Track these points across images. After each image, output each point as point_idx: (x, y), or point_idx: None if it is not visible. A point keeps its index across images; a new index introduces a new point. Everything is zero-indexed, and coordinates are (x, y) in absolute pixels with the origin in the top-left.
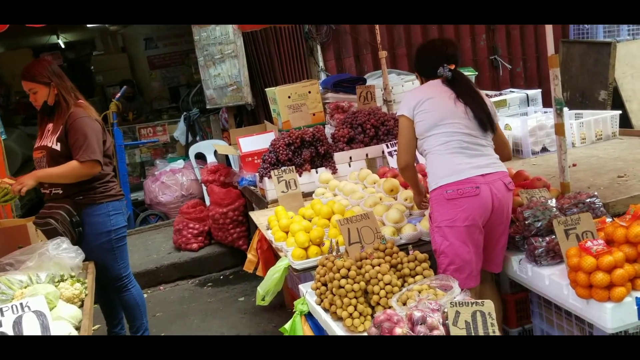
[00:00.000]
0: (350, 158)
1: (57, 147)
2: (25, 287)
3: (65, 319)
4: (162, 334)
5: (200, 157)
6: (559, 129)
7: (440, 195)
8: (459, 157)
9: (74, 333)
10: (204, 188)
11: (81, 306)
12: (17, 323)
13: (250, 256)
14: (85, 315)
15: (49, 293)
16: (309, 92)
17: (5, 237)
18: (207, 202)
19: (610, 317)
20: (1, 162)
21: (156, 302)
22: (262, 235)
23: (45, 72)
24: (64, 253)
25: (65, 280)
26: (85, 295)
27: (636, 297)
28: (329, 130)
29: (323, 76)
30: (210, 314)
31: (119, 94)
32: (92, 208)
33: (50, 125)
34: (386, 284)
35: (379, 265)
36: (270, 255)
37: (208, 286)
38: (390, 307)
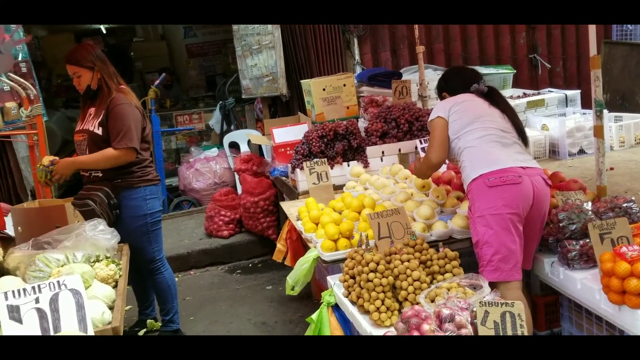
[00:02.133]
0: (383, 152)
1: (99, 131)
2: (62, 266)
3: (100, 299)
4: (191, 318)
5: (234, 146)
6: (598, 132)
7: (482, 184)
8: (498, 148)
9: (108, 312)
10: (237, 177)
11: (115, 287)
12: (54, 300)
13: (280, 246)
14: (118, 296)
15: (84, 272)
16: (344, 85)
17: (44, 216)
18: (239, 191)
19: None
20: (43, 143)
21: (186, 287)
22: (292, 225)
23: (89, 56)
24: (100, 234)
25: (101, 260)
26: (120, 276)
27: None
28: (362, 124)
29: (358, 69)
30: (238, 300)
31: (157, 81)
32: (129, 191)
33: (92, 109)
34: (415, 280)
35: (408, 260)
36: (299, 245)
37: (237, 273)
38: (417, 303)
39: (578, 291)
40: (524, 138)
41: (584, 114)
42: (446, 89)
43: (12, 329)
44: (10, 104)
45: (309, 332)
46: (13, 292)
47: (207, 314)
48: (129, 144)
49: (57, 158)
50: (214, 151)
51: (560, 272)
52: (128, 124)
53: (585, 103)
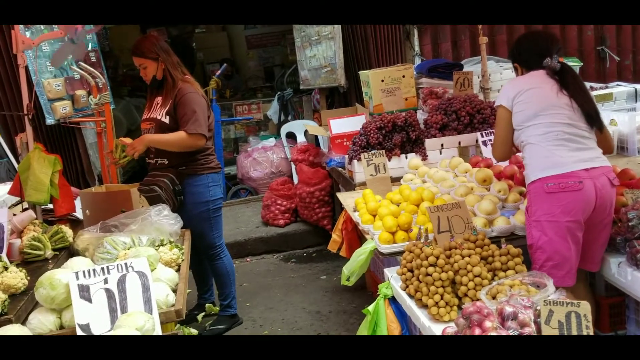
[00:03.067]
0: (442, 145)
1: (166, 120)
2: (129, 249)
3: (164, 282)
4: (247, 304)
5: (291, 136)
6: None
7: (540, 189)
8: (561, 149)
9: (172, 295)
10: (293, 166)
11: (178, 270)
12: (122, 281)
13: (335, 236)
14: (181, 280)
15: (150, 256)
16: (403, 76)
17: (111, 200)
18: (295, 181)
19: None
20: (110, 131)
21: (243, 273)
22: (348, 216)
23: (154, 48)
24: (164, 219)
25: (165, 245)
26: (182, 260)
27: None
28: (421, 116)
29: (418, 61)
30: (292, 288)
31: (219, 72)
32: (193, 178)
33: (159, 99)
34: (475, 276)
35: (469, 256)
36: (355, 236)
37: (292, 262)
38: (478, 300)
39: None
40: (597, 124)
41: None
42: (518, 59)
43: (82, 308)
44: (80, 92)
45: (365, 324)
46: (83, 272)
47: (263, 300)
48: (198, 130)
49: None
50: (271, 141)
51: (628, 273)
52: (197, 111)
53: None
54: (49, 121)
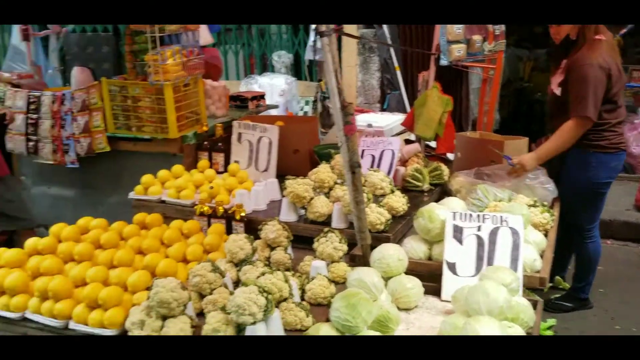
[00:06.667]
0: None
1: (558, 92)
2: (499, 201)
3: (532, 244)
4: (600, 290)
5: None
6: None
7: None
8: None
9: (538, 260)
10: None
11: (545, 236)
12: (494, 233)
13: None
14: (548, 246)
15: (524, 215)
16: None
17: (483, 148)
18: None
19: None
20: (497, 80)
21: (602, 255)
22: None
23: None
24: (538, 185)
25: (537, 207)
26: (551, 227)
27: None
28: None
29: None
30: None
31: (624, 30)
32: (577, 151)
33: (564, 62)
34: None
35: None
36: None
37: None
38: None
39: None
40: None
41: None
42: None
43: (452, 247)
44: (477, 37)
45: None
46: (460, 214)
47: (619, 291)
48: (580, 113)
49: None
50: None
51: None
52: (584, 89)
53: None
54: (443, 62)
